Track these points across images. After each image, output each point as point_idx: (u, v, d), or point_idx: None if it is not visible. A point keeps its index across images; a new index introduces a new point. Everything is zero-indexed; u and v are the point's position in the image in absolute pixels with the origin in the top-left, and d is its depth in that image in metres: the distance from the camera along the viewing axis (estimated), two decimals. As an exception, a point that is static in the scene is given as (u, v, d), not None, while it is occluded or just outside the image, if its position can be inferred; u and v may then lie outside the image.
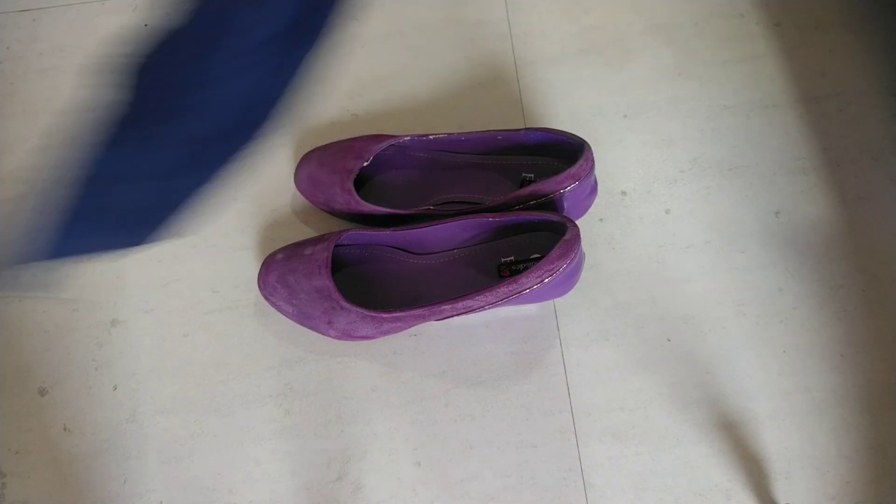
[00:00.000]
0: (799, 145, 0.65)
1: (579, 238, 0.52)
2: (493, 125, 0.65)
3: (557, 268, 0.51)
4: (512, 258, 0.57)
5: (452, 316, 0.54)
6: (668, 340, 0.58)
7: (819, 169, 0.64)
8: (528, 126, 0.64)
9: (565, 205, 0.56)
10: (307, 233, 0.61)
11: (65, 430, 0.56)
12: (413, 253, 0.58)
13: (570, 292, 0.57)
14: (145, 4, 0.70)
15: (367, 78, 0.67)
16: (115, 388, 0.57)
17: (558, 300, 0.59)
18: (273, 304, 0.56)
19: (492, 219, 0.55)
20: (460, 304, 0.52)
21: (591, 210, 0.60)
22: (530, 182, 0.58)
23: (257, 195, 0.62)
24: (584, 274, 0.60)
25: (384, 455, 0.55)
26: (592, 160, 0.55)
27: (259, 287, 0.56)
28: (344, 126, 0.65)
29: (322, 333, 0.56)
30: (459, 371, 0.57)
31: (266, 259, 0.57)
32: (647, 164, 0.64)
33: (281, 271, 0.55)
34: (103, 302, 0.59)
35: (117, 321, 0.58)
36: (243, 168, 0.64)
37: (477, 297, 0.51)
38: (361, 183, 0.60)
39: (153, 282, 0.59)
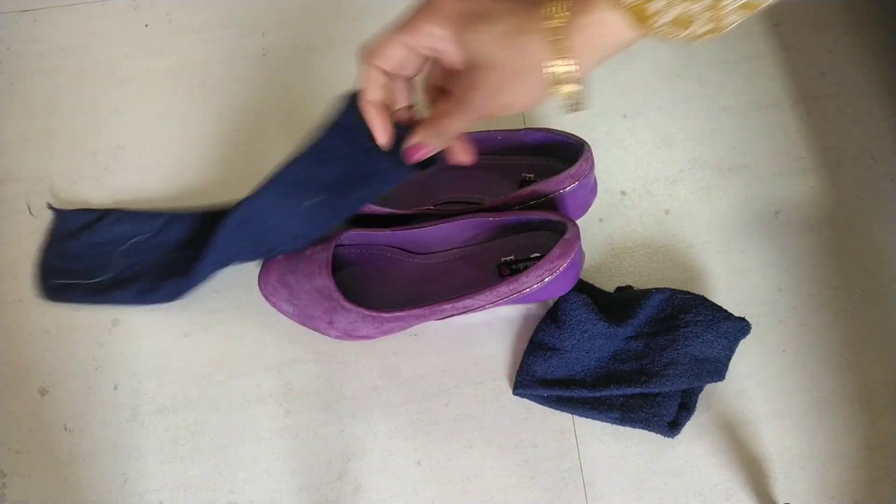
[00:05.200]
0: (798, 145, 0.65)
1: (579, 237, 0.52)
2: (492, 125, 0.65)
3: (557, 267, 0.51)
4: (512, 257, 0.57)
5: (453, 315, 0.54)
6: (668, 340, 0.58)
7: (818, 169, 0.64)
8: (527, 126, 0.64)
9: (565, 205, 0.56)
10: (307, 233, 0.61)
11: (65, 429, 0.56)
12: (413, 253, 0.58)
13: (570, 292, 0.57)
14: (146, 4, 0.70)
15: (367, 78, 0.67)
16: (115, 387, 0.57)
17: (558, 300, 0.59)
18: (273, 304, 0.56)
19: (492, 219, 0.55)
20: (460, 304, 0.52)
21: (590, 210, 0.60)
22: (530, 182, 0.58)
23: (258, 195, 0.62)
24: (584, 274, 0.60)
25: (384, 454, 0.55)
26: (592, 160, 0.55)
27: (260, 287, 0.56)
28: (344, 126, 0.65)
29: (323, 333, 0.56)
30: (459, 371, 0.57)
31: (267, 259, 0.57)
32: (647, 165, 0.64)
33: (281, 271, 0.55)
34: (104, 302, 0.59)
35: (118, 321, 0.58)
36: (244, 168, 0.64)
37: (477, 297, 0.51)
38: (362, 183, 0.60)
39: (154, 282, 0.59)
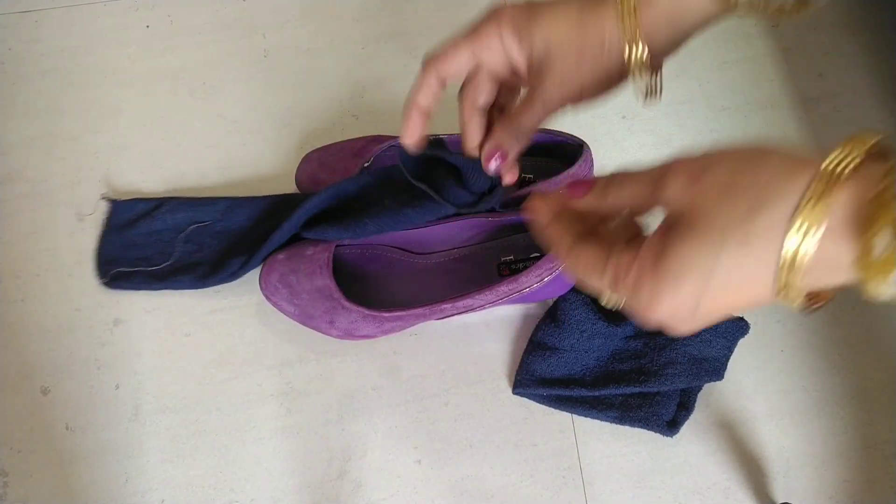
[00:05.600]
0: (797, 146, 0.65)
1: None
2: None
3: (556, 266, 0.51)
4: (511, 257, 0.57)
5: (453, 315, 0.54)
6: (667, 340, 0.58)
7: (817, 169, 0.64)
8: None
9: (565, 205, 0.56)
10: (308, 233, 0.61)
11: (67, 429, 0.56)
12: (413, 252, 0.59)
13: (570, 292, 0.57)
14: (147, 5, 0.70)
15: (367, 79, 0.68)
16: (117, 387, 0.57)
17: (558, 300, 0.59)
18: (274, 304, 0.56)
19: (492, 219, 0.55)
20: (461, 303, 0.52)
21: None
22: (530, 182, 0.58)
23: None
24: (584, 274, 0.60)
25: (385, 453, 0.55)
26: (591, 161, 0.56)
27: (261, 287, 0.57)
28: (345, 127, 0.66)
29: (323, 333, 0.56)
30: (459, 370, 0.57)
31: (267, 259, 0.57)
32: (646, 165, 0.64)
33: (282, 271, 0.56)
34: (105, 301, 0.59)
35: (119, 321, 0.59)
36: (244, 168, 0.64)
37: (477, 296, 0.52)
38: (362, 183, 0.61)
39: (155, 281, 0.60)
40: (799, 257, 0.24)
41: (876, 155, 0.25)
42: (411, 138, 0.40)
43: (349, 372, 0.57)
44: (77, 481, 0.54)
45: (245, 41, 0.69)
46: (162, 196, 0.62)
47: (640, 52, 0.33)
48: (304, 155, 0.62)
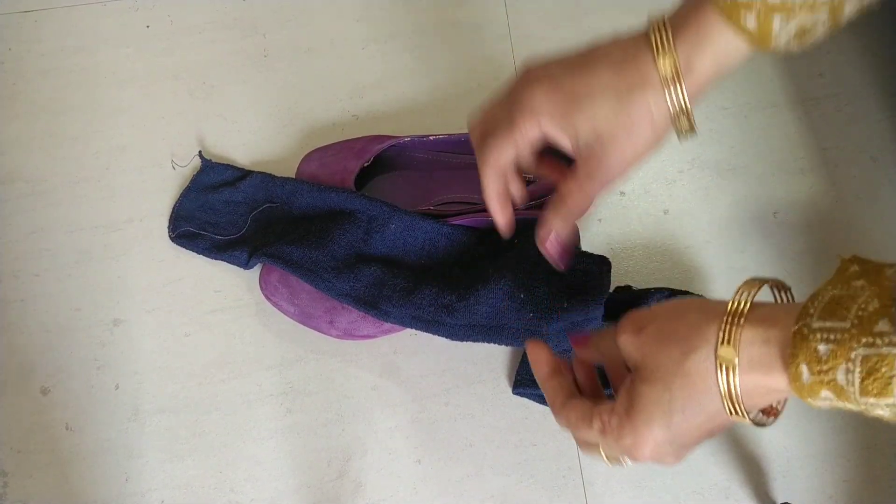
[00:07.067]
0: (797, 146, 0.65)
1: (578, 236, 0.52)
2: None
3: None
4: (512, 258, 0.57)
5: (453, 315, 0.54)
6: (667, 340, 0.58)
7: (817, 169, 0.64)
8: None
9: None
10: (308, 233, 0.61)
11: (67, 429, 0.56)
12: (413, 253, 0.59)
13: (570, 292, 0.57)
14: (147, 5, 0.70)
15: (367, 79, 0.68)
16: (116, 387, 0.57)
17: (558, 300, 0.59)
18: (274, 304, 0.56)
19: (491, 219, 0.55)
20: (460, 304, 0.52)
21: (589, 210, 0.60)
22: (530, 182, 0.58)
23: (258, 195, 0.63)
24: (584, 274, 0.60)
25: (385, 453, 0.55)
26: (592, 160, 0.56)
27: (261, 287, 0.57)
28: (345, 127, 0.66)
29: (323, 333, 0.56)
30: (459, 370, 0.57)
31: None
32: (646, 165, 0.65)
33: (283, 271, 0.56)
34: (105, 301, 0.59)
35: (119, 321, 0.59)
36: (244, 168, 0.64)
37: (477, 297, 0.52)
38: (362, 183, 0.61)
39: (155, 281, 0.60)
40: (734, 391, 0.30)
41: (777, 291, 0.34)
42: (506, 225, 0.43)
43: (349, 372, 0.57)
44: (77, 481, 0.54)
45: (245, 41, 0.69)
46: (247, 168, 0.63)
47: (688, 116, 0.35)
48: (304, 155, 0.62)
